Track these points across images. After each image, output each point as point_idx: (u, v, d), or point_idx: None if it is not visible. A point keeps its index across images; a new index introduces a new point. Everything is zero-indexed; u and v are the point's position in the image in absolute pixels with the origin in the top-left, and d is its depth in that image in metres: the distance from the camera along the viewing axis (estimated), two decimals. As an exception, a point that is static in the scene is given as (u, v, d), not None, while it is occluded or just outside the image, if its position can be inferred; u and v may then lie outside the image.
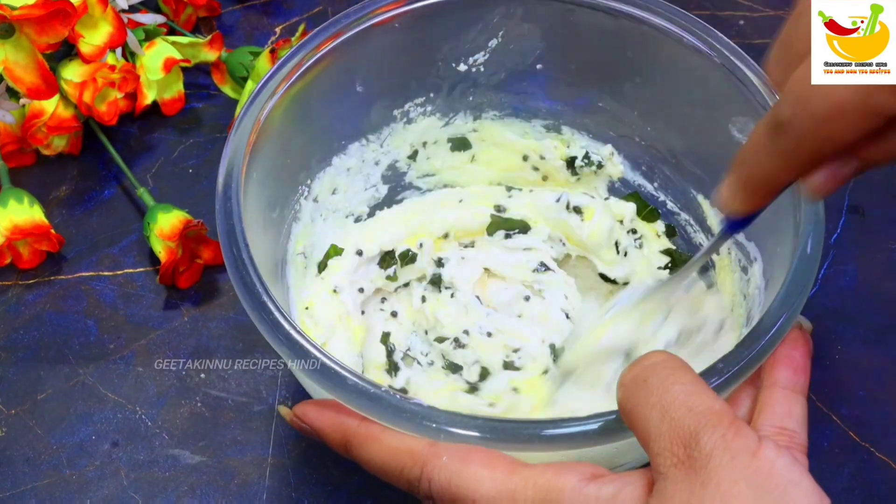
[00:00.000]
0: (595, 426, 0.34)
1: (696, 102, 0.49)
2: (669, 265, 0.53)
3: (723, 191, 0.35)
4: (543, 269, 0.52)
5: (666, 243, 0.54)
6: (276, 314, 0.37)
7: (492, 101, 0.54)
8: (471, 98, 0.54)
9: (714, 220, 0.51)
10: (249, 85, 0.63)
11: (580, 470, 0.32)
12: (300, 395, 0.50)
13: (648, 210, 0.55)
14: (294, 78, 0.45)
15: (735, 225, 0.38)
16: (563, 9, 0.49)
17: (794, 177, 0.33)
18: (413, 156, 0.55)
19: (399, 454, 0.35)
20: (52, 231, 0.56)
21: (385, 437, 0.35)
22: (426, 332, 0.51)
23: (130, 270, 0.58)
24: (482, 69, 0.52)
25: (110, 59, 0.60)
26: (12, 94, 0.60)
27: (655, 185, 0.54)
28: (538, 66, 0.53)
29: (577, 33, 0.50)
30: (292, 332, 0.37)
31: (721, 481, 0.28)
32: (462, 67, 0.52)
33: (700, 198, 0.51)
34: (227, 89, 0.66)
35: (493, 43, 0.51)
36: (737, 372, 0.36)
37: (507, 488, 0.33)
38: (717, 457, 0.28)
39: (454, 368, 0.48)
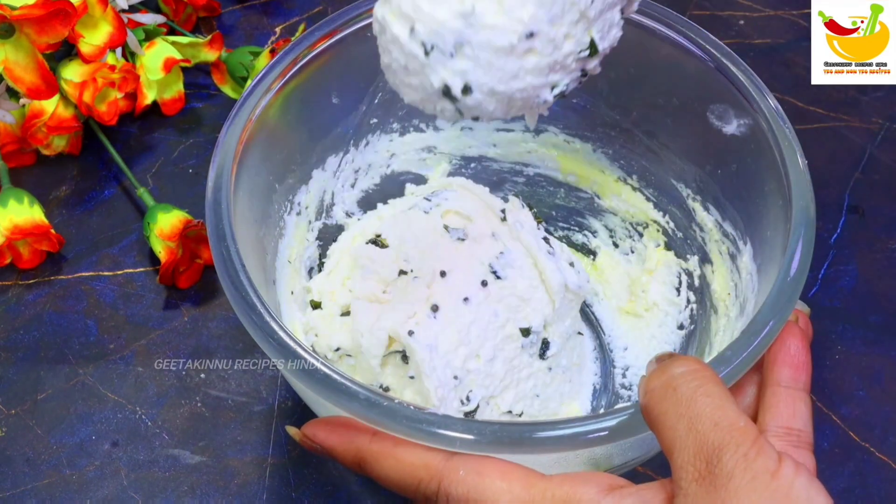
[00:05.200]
0: (605, 424, 0.34)
1: (672, 94, 0.49)
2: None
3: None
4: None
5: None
6: (288, 340, 0.37)
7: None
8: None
9: (699, 209, 0.50)
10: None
11: (598, 481, 0.32)
12: (300, 396, 0.50)
13: None
14: (261, 107, 0.45)
15: None
16: None
17: None
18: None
19: (415, 469, 0.34)
20: (52, 231, 0.56)
21: (399, 453, 0.35)
22: None
23: (130, 270, 0.58)
24: None
25: (110, 59, 0.60)
26: (12, 94, 0.60)
27: (634, 177, 0.54)
28: None
29: None
30: (299, 349, 0.36)
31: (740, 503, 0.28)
32: None
33: (680, 186, 0.51)
34: (227, 89, 0.66)
35: None
36: (745, 358, 0.36)
37: (525, 501, 0.33)
38: (737, 476, 0.29)
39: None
